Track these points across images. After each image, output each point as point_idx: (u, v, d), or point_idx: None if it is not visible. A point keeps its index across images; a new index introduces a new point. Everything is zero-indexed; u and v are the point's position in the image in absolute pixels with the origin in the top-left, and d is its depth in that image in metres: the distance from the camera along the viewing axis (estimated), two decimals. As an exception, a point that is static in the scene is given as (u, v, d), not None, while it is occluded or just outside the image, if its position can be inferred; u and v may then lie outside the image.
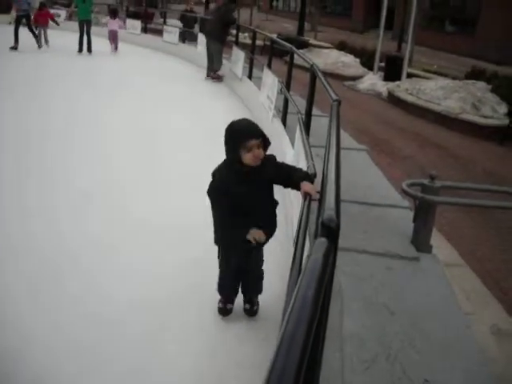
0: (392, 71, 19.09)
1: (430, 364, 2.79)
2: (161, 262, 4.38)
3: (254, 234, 3.24)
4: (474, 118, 13.84)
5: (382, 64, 20.19)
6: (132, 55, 17.24)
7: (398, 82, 17.99)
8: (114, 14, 18.47)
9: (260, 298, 3.85)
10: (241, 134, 3.14)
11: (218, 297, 3.76)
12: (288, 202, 4.76)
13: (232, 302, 3.76)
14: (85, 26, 16.59)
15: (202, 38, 14.08)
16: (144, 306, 3.82)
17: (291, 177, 3.25)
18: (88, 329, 3.55)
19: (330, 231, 1.36)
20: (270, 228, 3.41)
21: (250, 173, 3.19)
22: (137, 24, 20.55)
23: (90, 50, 16.90)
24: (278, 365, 0.86)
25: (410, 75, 18.92)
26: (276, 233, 4.80)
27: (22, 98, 9.86)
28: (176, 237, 4.73)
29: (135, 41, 19.73)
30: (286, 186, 3.40)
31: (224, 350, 3.46)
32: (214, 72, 12.84)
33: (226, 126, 3.26)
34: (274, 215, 3.48)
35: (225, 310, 3.74)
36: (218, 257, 3.60)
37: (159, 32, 19.30)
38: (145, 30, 20.48)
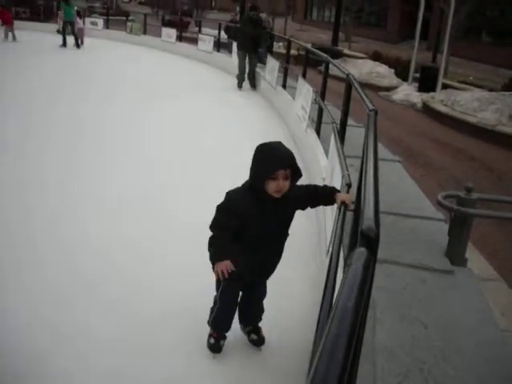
0: (427, 82, 18.94)
1: (465, 380, 2.73)
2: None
3: (219, 268, 3.05)
4: (511, 130, 13.62)
5: (417, 75, 20.04)
6: (166, 63, 17.41)
7: (432, 93, 17.83)
8: (79, 15, 21.42)
9: (294, 305, 3.80)
10: (271, 160, 2.90)
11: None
12: (321, 213, 4.74)
13: (225, 338, 3.47)
14: (69, 26, 19.85)
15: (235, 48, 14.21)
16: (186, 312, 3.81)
17: (321, 193, 3.15)
18: (129, 332, 3.57)
19: (370, 241, 1.34)
20: (276, 261, 3.24)
21: (272, 203, 2.97)
22: (172, 32, 20.78)
23: (77, 45, 20.13)
24: (319, 377, 0.84)
25: (445, 86, 18.75)
26: (308, 244, 4.82)
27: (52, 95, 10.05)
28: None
29: (170, 49, 19.94)
30: (314, 205, 3.23)
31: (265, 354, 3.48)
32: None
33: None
34: (283, 248, 3.24)
35: (218, 347, 3.43)
36: (217, 288, 3.31)
37: (194, 40, 19.48)
38: (180, 38, 20.68)
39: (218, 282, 3.28)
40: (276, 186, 2.87)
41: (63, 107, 9.76)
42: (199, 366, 3.34)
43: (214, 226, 3.08)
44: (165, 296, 3.97)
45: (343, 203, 2.98)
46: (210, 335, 3.45)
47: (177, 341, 3.53)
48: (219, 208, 3.06)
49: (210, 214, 3.06)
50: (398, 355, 2.87)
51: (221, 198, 3.06)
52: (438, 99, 16.95)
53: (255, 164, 2.95)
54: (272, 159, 2.89)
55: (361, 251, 1.25)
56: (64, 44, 19.75)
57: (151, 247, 4.69)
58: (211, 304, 3.42)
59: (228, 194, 3.04)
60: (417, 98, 18.41)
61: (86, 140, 7.81)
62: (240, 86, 13.06)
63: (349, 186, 3.36)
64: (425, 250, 4.08)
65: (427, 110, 16.91)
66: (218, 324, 3.42)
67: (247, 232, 3.01)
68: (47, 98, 10.52)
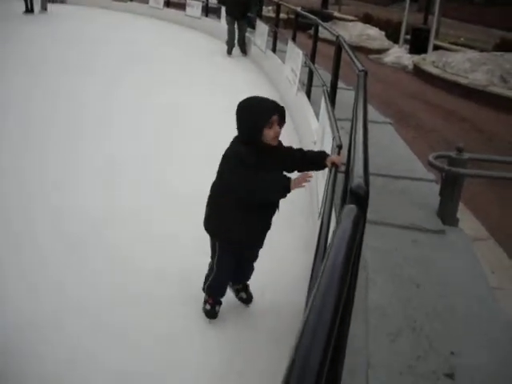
0: (418, 44, 18.77)
1: (456, 337, 2.78)
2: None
3: (300, 182, 2.91)
4: (502, 91, 13.58)
5: (408, 37, 19.86)
6: (152, 30, 17.12)
7: (423, 55, 17.68)
8: None
9: (286, 267, 3.81)
10: (263, 109, 2.94)
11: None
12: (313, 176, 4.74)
13: (220, 304, 3.50)
14: None
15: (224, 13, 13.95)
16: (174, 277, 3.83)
17: (310, 155, 3.16)
18: (114, 302, 3.57)
19: (359, 198, 1.34)
20: (272, 220, 3.24)
21: (270, 156, 2.99)
22: (159, -2, 20.39)
23: (44, 8, 18.12)
24: (307, 336, 0.84)
25: (436, 48, 18.57)
26: (300, 207, 4.84)
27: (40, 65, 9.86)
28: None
29: (157, 15, 19.62)
30: (302, 168, 3.15)
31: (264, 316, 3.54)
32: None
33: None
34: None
35: (213, 313, 3.47)
36: (214, 255, 3.31)
37: (182, 6, 19.15)
38: (167, 4, 20.32)
39: (214, 248, 3.29)
40: (274, 133, 2.93)
41: (39, 79, 9.55)
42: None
43: (246, 187, 2.95)
44: (163, 269, 3.98)
45: (334, 164, 2.99)
46: (206, 301, 3.48)
47: (173, 307, 3.58)
48: (234, 166, 2.95)
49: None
50: (391, 314, 2.90)
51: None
52: (429, 61, 16.84)
53: (248, 117, 2.96)
54: (264, 107, 2.96)
55: (350, 208, 1.25)
56: (27, 10, 17.35)
57: (149, 220, 4.67)
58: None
59: (235, 152, 2.98)
60: (408, 60, 18.26)
61: (82, 113, 7.66)
62: (230, 52, 12.86)
63: (339, 147, 3.35)
64: (416, 210, 4.11)
65: (418, 71, 16.80)
66: (214, 290, 3.45)
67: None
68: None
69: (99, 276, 3.84)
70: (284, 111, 3.02)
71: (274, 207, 3.16)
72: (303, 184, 2.93)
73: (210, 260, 3.41)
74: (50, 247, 4.15)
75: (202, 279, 3.47)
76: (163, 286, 3.76)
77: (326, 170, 3.18)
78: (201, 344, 3.28)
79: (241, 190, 2.96)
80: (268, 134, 2.92)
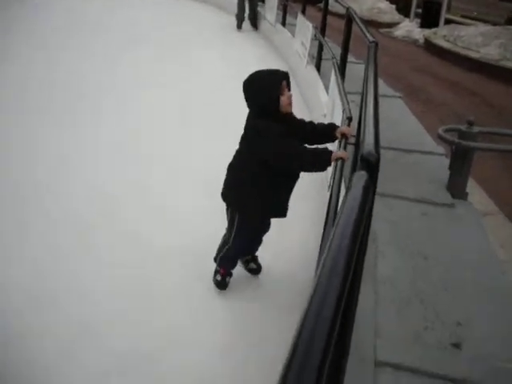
0: (429, 18, 18.50)
1: (463, 308, 2.79)
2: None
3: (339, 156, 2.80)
4: (514, 65, 13.42)
5: (419, 10, 19.60)
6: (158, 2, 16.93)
7: (435, 29, 17.45)
8: None
9: (296, 237, 3.82)
10: (271, 78, 2.99)
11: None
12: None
13: (231, 275, 3.54)
14: None
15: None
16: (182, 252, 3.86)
17: (320, 128, 3.15)
18: (125, 277, 3.62)
19: (370, 165, 1.35)
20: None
21: (285, 123, 2.99)
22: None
23: None
24: (316, 301, 0.84)
25: (447, 21, 18.32)
26: (311, 178, 4.85)
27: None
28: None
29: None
30: (313, 141, 3.13)
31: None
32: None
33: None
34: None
35: (224, 284, 3.49)
36: (231, 227, 3.28)
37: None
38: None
39: (232, 221, 3.26)
40: (287, 98, 2.98)
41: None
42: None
43: (285, 155, 2.93)
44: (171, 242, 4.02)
45: (343, 135, 2.98)
46: (217, 272, 3.50)
47: (183, 282, 3.62)
48: (269, 142, 2.93)
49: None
50: (399, 285, 2.92)
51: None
52: (441, 35, 16.63)
53: (261, 90, 2.98)
54: (272, 76, 3.01)
55: (361, 174, 1.26)
56: None
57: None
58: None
59: (261, 124, 2.98)
60: (419, 34, 18.04)
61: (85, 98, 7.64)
62: (239, 26, 12.63)
63: (350, 119, 3.35)
64: (426, 184, 4.11)
65: (429, 46, 16.60)
66: (227, 261, 3.46)
67: None
68: None
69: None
70: (289, 76, 3.06)
71: (296, 178, 3.18)
72: (343, 155, 2.80)
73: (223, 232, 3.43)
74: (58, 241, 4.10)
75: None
76: (173, 267, 3.77)
77: (336, 142, 3.18)
78: (211, 317, 3.31)
79: (281, 158, 2.94)
80: (282, 101, 2.95)
